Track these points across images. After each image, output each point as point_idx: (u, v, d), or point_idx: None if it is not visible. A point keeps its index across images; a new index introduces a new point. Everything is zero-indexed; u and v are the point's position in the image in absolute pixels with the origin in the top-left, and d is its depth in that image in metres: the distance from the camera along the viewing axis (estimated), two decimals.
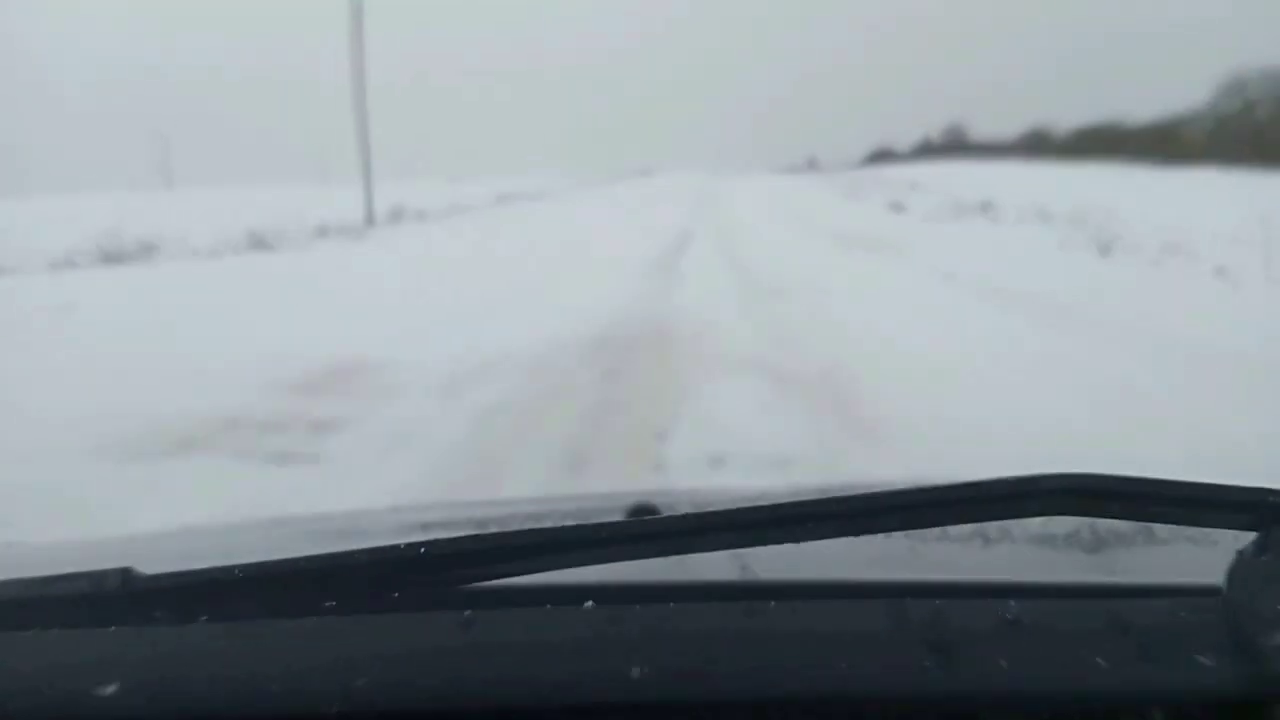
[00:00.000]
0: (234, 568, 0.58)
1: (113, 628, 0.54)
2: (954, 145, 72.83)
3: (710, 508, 0.59)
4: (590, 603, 0.55)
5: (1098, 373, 5.57)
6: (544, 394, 5.40)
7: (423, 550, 0.58)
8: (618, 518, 0.81)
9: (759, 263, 12.55)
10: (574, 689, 0.50)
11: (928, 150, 77.69)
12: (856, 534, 0.59)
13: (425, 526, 1.21)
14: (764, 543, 0.59)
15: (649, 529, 0.62)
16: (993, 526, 0.93)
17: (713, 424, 4.58)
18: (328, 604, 0.57)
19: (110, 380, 6.02)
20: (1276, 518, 0.55)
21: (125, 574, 0.57)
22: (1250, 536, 0.56)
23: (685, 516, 0.59)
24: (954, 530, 0.89)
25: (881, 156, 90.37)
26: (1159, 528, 0.90)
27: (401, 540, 0.59)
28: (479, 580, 0.60)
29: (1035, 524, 0.93)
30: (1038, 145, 55.48)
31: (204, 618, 0.56)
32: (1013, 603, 0.54)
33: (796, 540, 0.59)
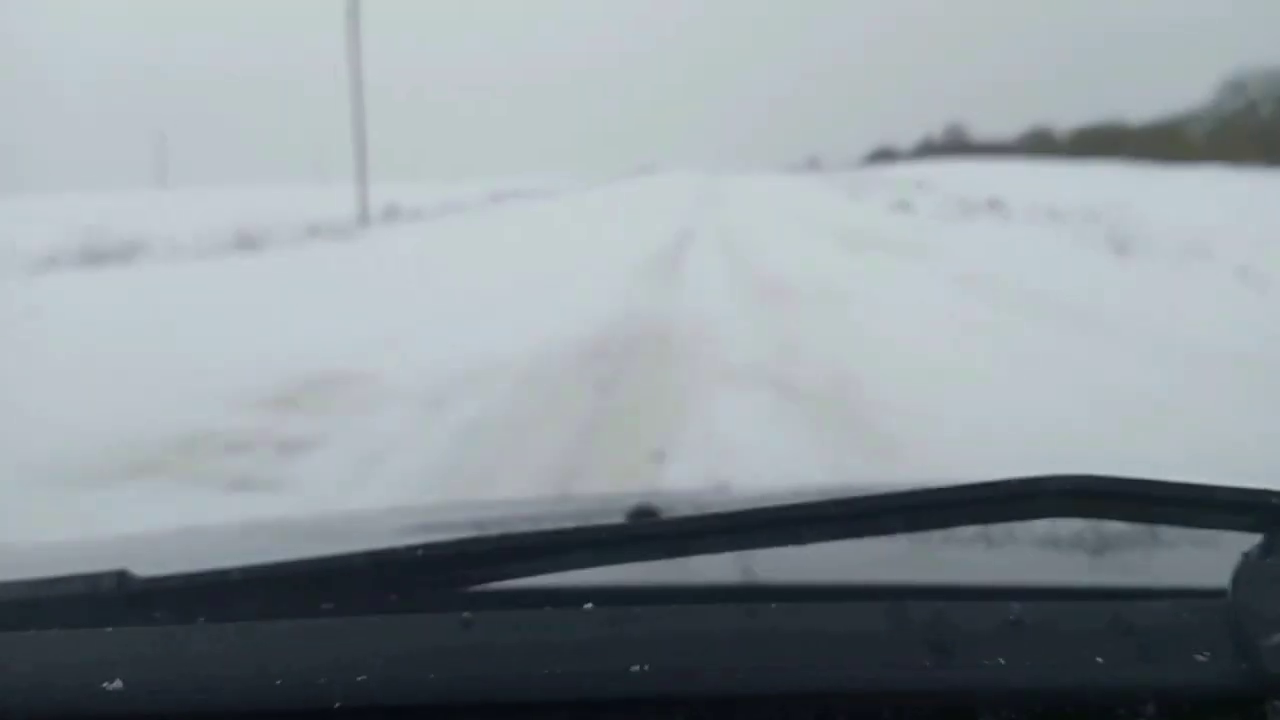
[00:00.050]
0: (232, 569, 0.58)
1: (110, 629, 0.54)
2: (955, 144, 72.91)
3: (711, 509, 0.59)
4: (590, 605, 0.55)
5: (1143, 393, 5.19)
6: (531, 408, 5.14)
7: (422, 552, 0.58)
8: (618, 519, 0.80)
9: (764, 265, 12.21)
10: (574, 690, 0.50)
11: (929, 149, 77.77)
12: (858, 536, 0.59)
13: (425, 528, 1.21)
14: (765, 545, 0.59)
15: (650, 530, 0.62)
16: (996, 528, 0.93)
17: (717, 444, 4.27)
18: (326, 606, 0.57)
19: (65, 392, 5.69)
20: None
21: (122, 575, 0.57)
22: (1256, 538, 0.56)
23: (686, 518, 0.59)
24: (957, 532, 0.89)
25: (883, 156, 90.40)
26: (1163, 529, 0.90)
27: (400, 542, 0.59)
28: (478, 582, 0.60)
29: (1039, 525, 0.93)
30: (1039, 144, 55.55)
31: (202, 619, 0.56)
32: (1016, 604, 0.54)
33: (798, 542, 0.59)
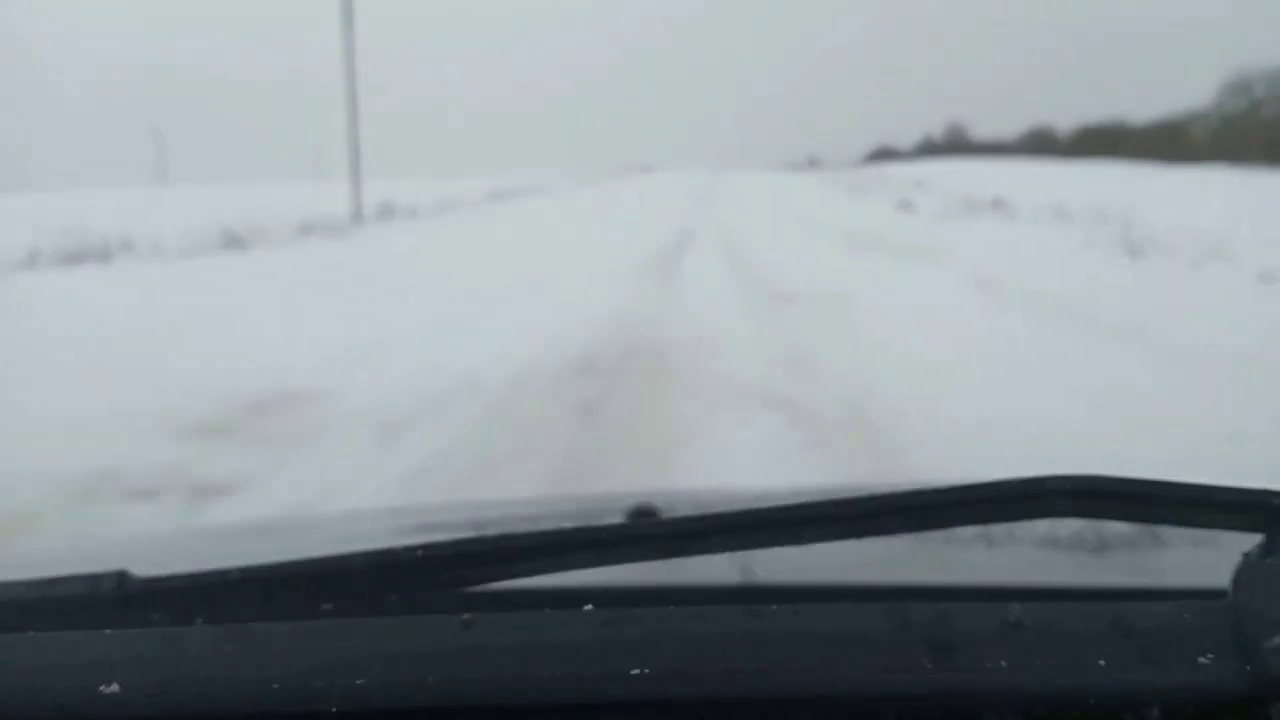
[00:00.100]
0: (231, 570, 0.58)
1: (108, 630, 0.53)
2: (955, 144, 72.98)
3: (711, 509, 0.59)
4: (590, 605, 0.55)
5: (1213, 418, 4.64)
6: (501, 445, 4.49)
7: (421, 553, 0.58)
8: (618, 519, 0.80)
9: (766, 267, 11.79)
10: (573, 691, 0.50)
11: (929, 148, 77.80)
12: (859, 536, 0.59)
13: (424, 528, 1.20)
14: (765, 545, 0.59)
15: (649, 531, 0.62)
16: (996, 528, 0.93)
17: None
18: (325, 606, 0.57)
19: None
20: None
21: (120, 577, 0.57)
22: (1257, 538, 0.55)
23: (686, 519, 0.59)
24: (957, 532, 0.89)
25: (883, 155, 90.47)
26: (1164, 530, 0.90)
27: (400, 542, 0.59)
28: (478, 583, 0.60)
29: (1040, 526, 0.93)
30: (1040, 144, 55.55)
31: (200, 620, 0.56)
32: (1016, 605, 0.53)
33: (798, 542, 0.59)
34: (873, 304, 8.42)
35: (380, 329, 7.72)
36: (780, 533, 0.58)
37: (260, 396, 5.47)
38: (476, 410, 5.11)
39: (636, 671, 0.50)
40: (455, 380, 5.74)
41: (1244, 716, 0.50)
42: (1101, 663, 0.50)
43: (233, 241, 15.74)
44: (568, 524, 0.60)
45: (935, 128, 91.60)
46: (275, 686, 0.49)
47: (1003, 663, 0.50)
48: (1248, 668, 0.50)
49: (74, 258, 13.57)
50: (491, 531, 0.62)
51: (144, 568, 0.59)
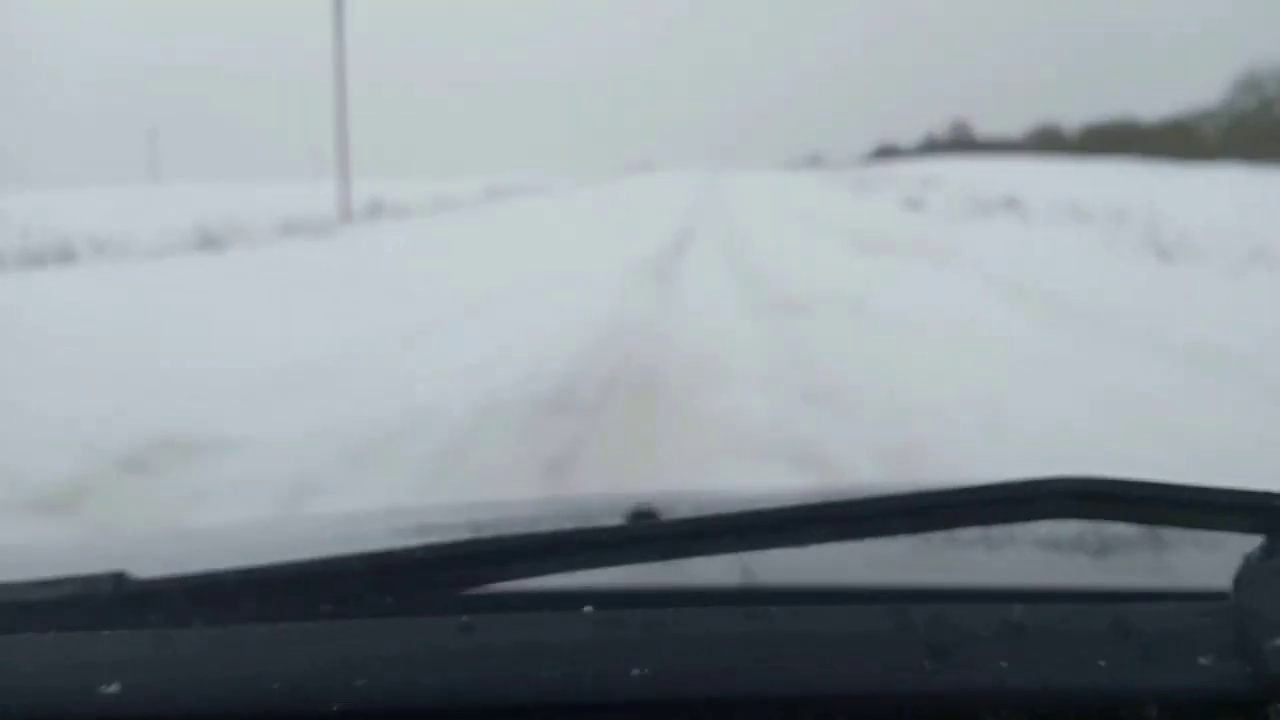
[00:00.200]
0: (229, 571, 0.58)
1: (107, 631, 0.54)
2: (959, 142, 72.88)
3: (711, 511, 0.58)
4: (590, 607, 0.55)
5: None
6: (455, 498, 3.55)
7: (420, 554, 0.58)
8: (617, 521, 0.80)
9: (772, 270, 11.22)
10: (573, 693, 0.50)
11: (932, 147, 77.70)
12: (859, 537, 0.59)
13: (423, 529, 1.20)
14: (765, 546, 0.59)
15: (649, 532, 0.62)
16: (997, 530, 0.93)
17: None
18: (324, 608, 0.57)
19: None
20: None
21: (119, 577, 0.57)
22: (1258, 540, 0.55)
23: (685, 520, 0.59)
24: (958, 534, 0.88)
25: (886, 153, 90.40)
26: (1165, 531, 0.90)
27: (399, 544, 0.59)
28: (477, 584, 0.60)
29: (1041, 527, 0.92)
30: (1047, 142, 55.43)
31: (199, 621, 0.56)
32: (1017, 607, 0.53)
33: (798, 544, 0.58)
34: (896, 316, 7.56)
35: (329, 345, 6.58)
36: (780, 534, 0.58)
37: (146, 442, 4.19)
38: (412, 465, 3.96)
39: (636, 673, 0.50)
40: (398, 420, 4.56)
41: (1245, 718, 0.50)
42: (1103, 664, 0.50)
43: (208, 241, 14.96)
44: (567, 525, 0.60)
45: (939, 125, 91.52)
46: (274, 687, 0.49)
47: (1004, 664, 0.50)
48: (1249, 669, 0.50)
49: (35, 260, 12.75)
50: (490, 533, 0.62)
51: (142, 568, 0.59)
